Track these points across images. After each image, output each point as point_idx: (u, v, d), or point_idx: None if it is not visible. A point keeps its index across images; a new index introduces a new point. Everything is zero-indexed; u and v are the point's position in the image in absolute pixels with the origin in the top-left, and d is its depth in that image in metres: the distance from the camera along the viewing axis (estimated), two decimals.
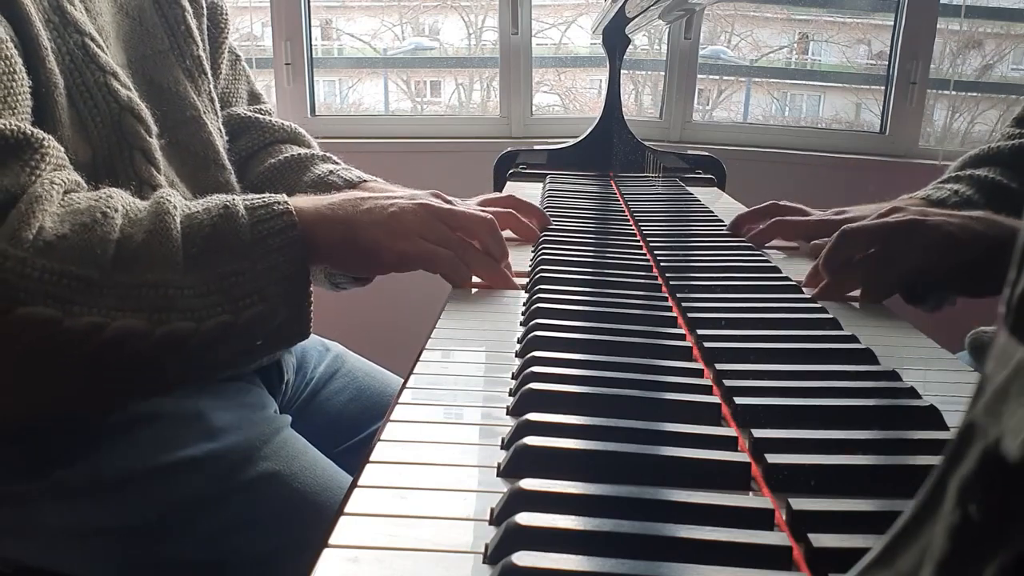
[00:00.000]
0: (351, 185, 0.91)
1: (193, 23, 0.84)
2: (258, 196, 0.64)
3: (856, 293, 0.73)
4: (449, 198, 0.74)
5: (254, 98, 1.01)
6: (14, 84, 0.60)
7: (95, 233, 0.57)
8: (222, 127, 0.88)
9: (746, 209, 0.96)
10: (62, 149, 0.62)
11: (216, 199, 0.63)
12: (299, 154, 0.95)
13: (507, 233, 0.84)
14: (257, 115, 0.97)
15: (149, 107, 0.72)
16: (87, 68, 0.67)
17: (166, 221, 0.59)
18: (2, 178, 0.56)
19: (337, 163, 0.96)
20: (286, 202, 0.63)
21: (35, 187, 0.57)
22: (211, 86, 0.86)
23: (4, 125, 0.57)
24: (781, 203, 0.93)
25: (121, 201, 0.60)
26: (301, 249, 0.62)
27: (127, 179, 0.68)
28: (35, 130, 0.59)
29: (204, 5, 0.89)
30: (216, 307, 0.58)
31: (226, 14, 0.94)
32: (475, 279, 0.73)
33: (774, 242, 0.92)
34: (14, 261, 0.54)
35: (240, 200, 0.63)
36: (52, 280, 0.54)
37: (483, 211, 0.74)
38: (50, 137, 0.60)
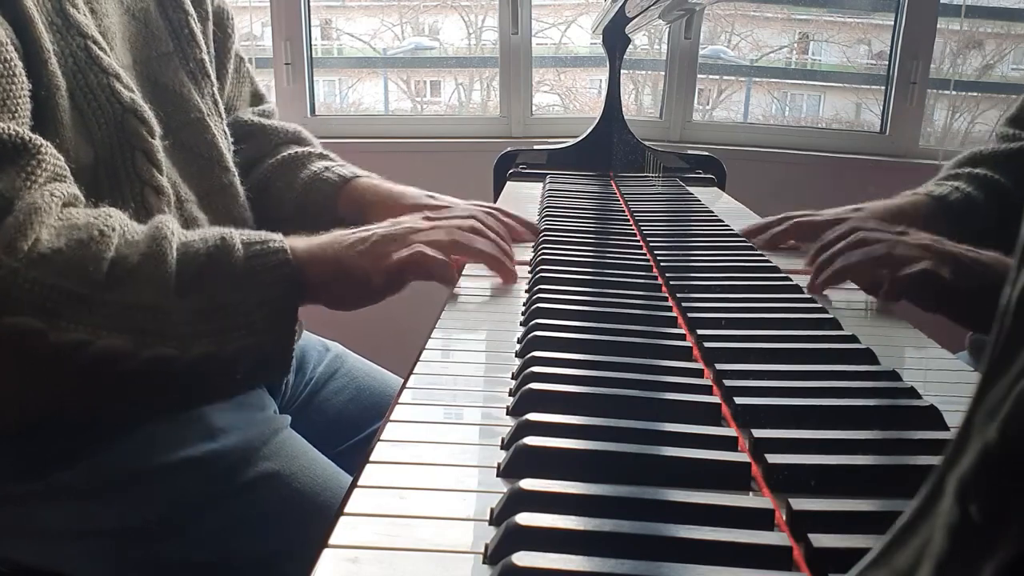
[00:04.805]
0: (344, 181, 0.93)
1: (197, 28, 0.85)
2: (255, 232, 0.65)
3: (854, 293, 0.73)
4: (433, 216, 0.75)
5: (257, 98, 1.02)
6: (13, 87, 0.60)
7: (90, 250, 0.57)
8: (227, 130, 0.88)
9: (755, 217, 0.97)
10: (61, 158, 0.62)
11: (214, 231, 0.64)
12: (297, 152, 0.97)
13: None
14: (261, 120, 0.98)
15: (153, 108, 0.73)
16: (90, 70, 0.67)
17: (163, 246, 0.60)
18: None
19: (333, 160, 0.98)
20: (282, 240, 0.64)
21: (35, 198, 0.57)
22: (215, 89, 0.86)
23: (2, 129, 0.57)
24: (793, 213, 0.94)
25: (119, 221, 0.60)
26: (293, 286, 0.63)
27: (128, 180, 0.69)
28: (33, 136, 0.59)
29: (209, 11, 0.89)
30: (203, 336, 0.59)
31: (231, 18, 0.94)
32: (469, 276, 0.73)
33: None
34: (6, 270, 0.54)
35: (237, 234, 0.64)
36: (41, 292, 0.54)
37: (465, 215, 0.75)
38: (48, 144, 0.60)
